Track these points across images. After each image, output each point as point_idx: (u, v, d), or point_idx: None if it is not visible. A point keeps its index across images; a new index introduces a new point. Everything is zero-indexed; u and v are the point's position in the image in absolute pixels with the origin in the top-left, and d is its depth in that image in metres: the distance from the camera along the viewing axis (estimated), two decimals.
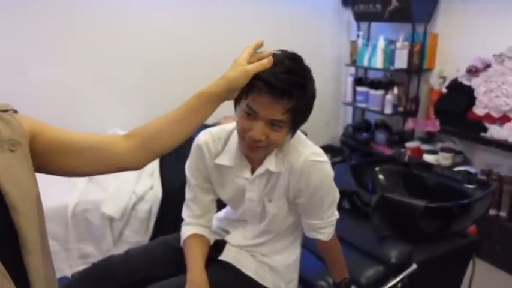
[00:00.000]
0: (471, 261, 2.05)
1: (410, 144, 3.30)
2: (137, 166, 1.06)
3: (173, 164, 2.57)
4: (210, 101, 1.05)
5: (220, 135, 1.37)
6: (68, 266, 2.27)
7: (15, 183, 0.82)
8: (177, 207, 2.31)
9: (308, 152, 1.26)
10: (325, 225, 1.34)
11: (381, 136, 3.61)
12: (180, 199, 2.37)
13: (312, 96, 1.20)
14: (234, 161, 1.34)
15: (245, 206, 1.38)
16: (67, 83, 2.98)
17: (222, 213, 1.57)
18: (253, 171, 1.33)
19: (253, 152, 1.23)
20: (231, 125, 1.36)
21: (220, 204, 1.55)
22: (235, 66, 1.06)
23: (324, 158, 1.28)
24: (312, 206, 1.32)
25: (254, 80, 1.10)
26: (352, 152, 3.83)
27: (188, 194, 1.48)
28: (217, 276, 1.37)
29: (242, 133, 1.21)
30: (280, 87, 1.10)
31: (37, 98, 2.90)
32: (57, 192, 2.21)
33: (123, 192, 2.36)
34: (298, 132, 1.32)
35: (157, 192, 2.44)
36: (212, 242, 1.48)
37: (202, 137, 1.39)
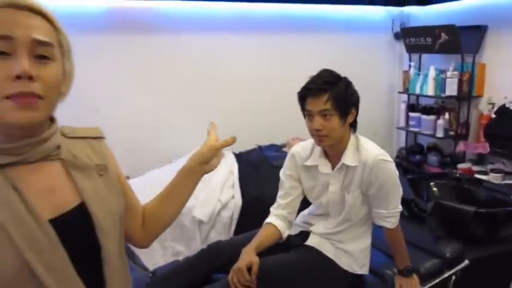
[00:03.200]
0: None
1: (461, 166, 3.52)
2: (142, 244, 1.13)
3: (250, 179, 2.97)
4: (188, 175, 1.10)
5: (308, 145, 1.80)
6: (163, 261, 2.68)
7: (102, 206, 0.91)
8: (254, 214, 2.71)
9: (377, 152, 1.67)
10: (390, 215, 1.70)
11: (433, 158, 3.84)
12: (256, 208, 2.77)
13: (346, 89, 1.65)
14: (318, 161, 1.76)
15: (328, 198, 1.75)
16: (154, 110, 3.47)
17: (306, 211, 1.96)
18: (333, 168, 1.73)
19: (321, 142, 1.67)
20: None
21: (304, 204, 1.93)
22: (204, 144, 1.12)
23: (389, 158, 1.67)
24: (379, 197, 1.69)
25: (301, 91, 1.66)
26: (405, 173, 4.08)
27: (279, 192, 1.87)
28: (304, 255, 1.76)
29: (310, 132, 1.68)
30: (313, 87, 1.62)
31: (130, 122, 3.40)
32: None
33: (211, 200, 2.77)
34: (365, 138, 1.76)
35: (238, 201, 2.83)
36: (286, 235, 1.83)
37: (295, 148, 1.83)
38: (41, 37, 0.80)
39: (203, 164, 1.11)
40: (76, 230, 0.86)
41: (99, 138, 1.02)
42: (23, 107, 0.78)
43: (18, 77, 0.76)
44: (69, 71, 0.89)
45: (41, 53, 0.80)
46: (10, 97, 0.77)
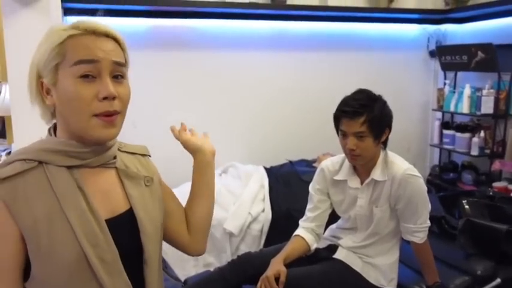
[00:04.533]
0: None
1: (497, 184, 3.45)
2: (195, 250, 1.22)
3: (281, 193, 3.01)
4: (196, 167, 1.22)
5: (338, 160, 1.84)
6: (194, 272, 2.74)
7: (146, 212, 1.02)
8: (283, 228, 2.74)
9: (406, 167, 1.70)
10: (418, 229, 1.72)
11: (467, 176, 3.77)
12: (286, 221, 2.81)
13: (381, 111, 1.69)
14: (347, 176, 1.80)
15: (356, 212, 1.78)
16: (193, 124, 3.56)
17: (334, 225, 1.99)
18: (362, 183, 1.75)
19: (354, 160, 1.72)
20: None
21: (332, 218, 1.96)
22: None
23: (418, 173, 1.70)
24: (407, 211, 1.71)
25: (337, 113, 1.70)
26: (438, 191, 4.03)
27: (308, 205, 1.91)
28: (332, 268, 1.79)
29: (344, 149, 1.73)
30: (349, 110, 1.65)
31: (165, 136, 3.48)
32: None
33: (241, 213, 2.82)
34: (394, 154, 1.79)
35: (268, 214, 2.87)
36: (314, 247, 1.88)
37: (325, 163, 1.88)
38: (118, 59, 0.94)
39: (195, 152, 1.24)
40: (125, 231, 0.98)
41: (146, 155, 1.15)
42: (106, 125, 0.91)
43: (105, 98, 0.90)
44: None
45: (117, 73, 0.94)
46: (97, 115, 0.90)
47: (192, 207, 1.20)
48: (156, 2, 3.17)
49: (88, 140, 0.94)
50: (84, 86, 0.90)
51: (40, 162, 0.91)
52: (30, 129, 2.55)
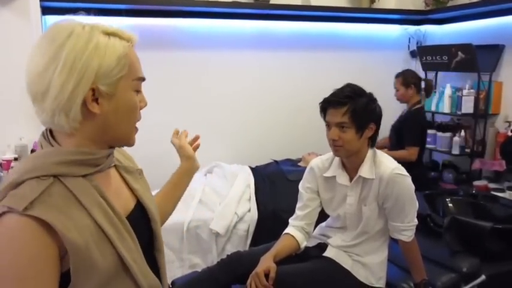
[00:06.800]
0: None
1: (477, 183, 3.50)
2: None
3: (267, 192, 3.01)
4: (183, 172, 1.35)
5: (328, 158, 1.85)
6: (180, 273, 2.71)
7: (150, 202, 1.06)
8: (269, 227, 2.73)
9: (393, 166, 1.71)
10: (406, 228, 1.74)
11: (448, 175, 3.82)
12: (272, 221, 2.80)
13: (366, 105, 1.72)
14: (336, 172, 1.81)
15: (345, 210, 1.79)
16: (172, 125, 3.51)
17: (324, 223, 1.99)
18: (351, 180, 1.77)
19: (337, 151, 1.74)
20: None
21: (322, 217, 1.97)
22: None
23: (406, 173, 1.71)
24: (395, 210, 1.72)
25: (323, 103, 1.73)
26: (420, 190, 4.07)
27: (298, 204, 1.92)
28: (321, 265, 1.80)
29: (329, 141, 1.75)
30: (334, 99, 1.69)
31: (150, 137, 3.46)
32: (175, 211, 2.68)
33: (227, 213, 2.80)
34: (382, 153, 1.81)
35: (254, 214, 2.86)
36: (303, 246, 1.89)
37: (314, 161, 1.88)
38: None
39: (188, 159, 1.36)
40: (141, 225, 1.00)
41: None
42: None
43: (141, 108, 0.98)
44: None
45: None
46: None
47: (161, 205, 1.21)
48: (138, 1, 3.13)
49: (123, 145, 0.99)
50: (137, 98, 0.96)
51: (55, 177, 0.85)
52: None
